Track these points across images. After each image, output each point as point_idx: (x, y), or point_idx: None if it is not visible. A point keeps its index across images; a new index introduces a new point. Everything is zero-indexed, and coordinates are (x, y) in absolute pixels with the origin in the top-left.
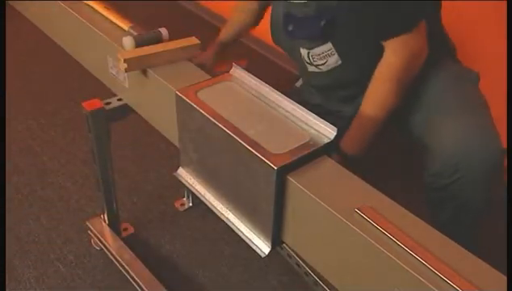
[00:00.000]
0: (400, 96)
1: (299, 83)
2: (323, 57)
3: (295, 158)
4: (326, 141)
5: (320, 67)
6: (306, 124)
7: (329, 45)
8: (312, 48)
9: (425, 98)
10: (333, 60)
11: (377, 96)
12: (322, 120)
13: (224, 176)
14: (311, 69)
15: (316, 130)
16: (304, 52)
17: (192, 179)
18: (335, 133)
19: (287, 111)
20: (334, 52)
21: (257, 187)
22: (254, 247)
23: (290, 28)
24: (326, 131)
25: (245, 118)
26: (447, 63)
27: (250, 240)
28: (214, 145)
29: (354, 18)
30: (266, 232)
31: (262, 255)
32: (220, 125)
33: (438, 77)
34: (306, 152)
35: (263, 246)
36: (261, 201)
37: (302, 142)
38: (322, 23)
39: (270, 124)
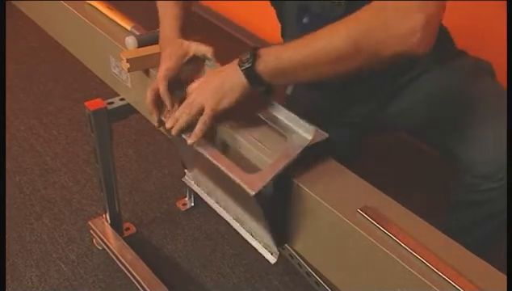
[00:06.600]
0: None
1: (289, 90)
2: None
3: (272, 175)
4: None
5: None
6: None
7: None
8: None
9: (450, 96)
10: None
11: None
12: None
13: (222, 190)
14: None
15: (295, 132)
16: None
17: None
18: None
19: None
20: None
21: (249, 204)
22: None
23: (305, 21)
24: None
25: (239, 128)
26: (457, 56)
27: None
28: (203, 161)
29: None
30: (268, 242)
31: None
32: (201, 150)
33: (456, 72)
34: (283, 165)
35: (269, 257)
36: (256, 215)
37: (283, 153)
38: None
39: (262, 136)
